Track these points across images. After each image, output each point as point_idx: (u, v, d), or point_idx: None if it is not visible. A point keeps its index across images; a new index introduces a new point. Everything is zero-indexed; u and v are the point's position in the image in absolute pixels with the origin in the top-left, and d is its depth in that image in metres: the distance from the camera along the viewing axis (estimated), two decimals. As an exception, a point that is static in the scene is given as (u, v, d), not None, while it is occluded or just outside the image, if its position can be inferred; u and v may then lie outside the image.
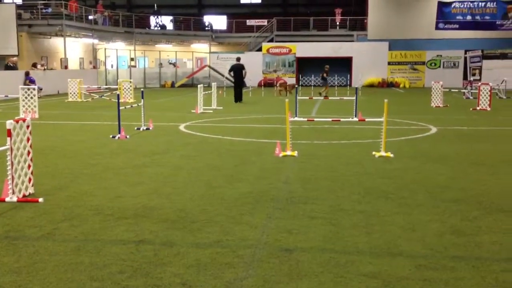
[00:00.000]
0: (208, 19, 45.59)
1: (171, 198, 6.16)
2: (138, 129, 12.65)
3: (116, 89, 24.48)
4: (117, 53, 37.95)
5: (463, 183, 7.00)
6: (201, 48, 44.36)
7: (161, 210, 5.63)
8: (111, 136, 11.38)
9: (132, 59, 41.08)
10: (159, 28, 42.36)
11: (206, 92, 19.23)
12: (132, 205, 5.83)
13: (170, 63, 42.14)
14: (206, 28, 43.99)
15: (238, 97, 22.68)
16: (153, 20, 42.80)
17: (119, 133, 11.29)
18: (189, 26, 42.89)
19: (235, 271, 3.95)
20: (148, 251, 4.37)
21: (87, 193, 6.39)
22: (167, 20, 43.15)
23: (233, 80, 23.63)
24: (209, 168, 7.97)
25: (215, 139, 11.33)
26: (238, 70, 22.82)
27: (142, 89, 14.15)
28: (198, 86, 18.44)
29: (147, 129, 12.69)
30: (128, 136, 11.33)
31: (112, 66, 40.11)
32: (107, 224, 5.11)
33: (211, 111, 18.19)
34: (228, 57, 40.29)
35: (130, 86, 23.51)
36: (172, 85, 38.82)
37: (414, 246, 4.54)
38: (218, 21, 45.53)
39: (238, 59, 23.63)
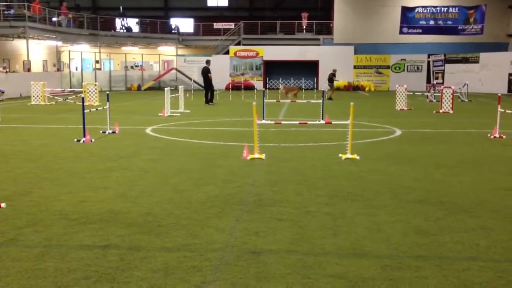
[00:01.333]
0: (174, 21, 45.32)
1: (138, 202, 6.10)
2: (104, 132, 12.47)
3: (81, 92, 24.10)
4: (81, 55, 37.37)
5: (427, 184, 7.16)
6: (168, 51, 44.09)
7: (127, 214, 5.57)
8: (75, 140, 11.19)
9: (97, 62, 40.50)
10: (124, 31, 41.89)
11: (173, 95, 19.13)
12: (97, 209, 5.74)
13: (135, 66, 41.70)
14: (173, 31, 43.74)
15: (205, 99, 23.17)
16: (118, 22, 42.30)
17: (84, 136, 11.11)
18: (156, 28, 42.58)
19: (203, 275, 3.94)
20: (114, 256, 4.31)
21: (51, 198, 6.27)
22: (133, 23, 42.72)
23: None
24: (176, 172, 7.93)
25: (183, 142, 11.27)
26: (204, 74, 23.42)
27: (107, 92, 13.97)
28: (165, 89, 18.31)
29: (113, 132, 12.53)
30: (93, 140, 11.16)
31: (76, 69, 39.46)
32: (72, 229, 5.03)
33: (179, 114, 18.09)
34: (195, 60, 40.18)
35: (95, 89, 23.18)
36: (139, 88, 38.43)
37: (380, 246, 4.61)
38: (185, 24, 45.35)
39: (206, 62, 23.96)
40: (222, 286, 3.74)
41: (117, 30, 41.77)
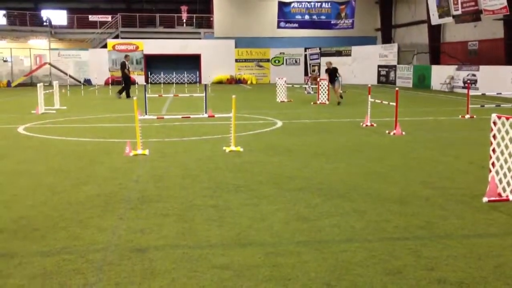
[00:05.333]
0: (46, 13, 42.70)
1: (10, 206, 5.70)
2: (-31, 133, 11.48)
3: None
4: None
5: (306, 172, 7.47)
6: (39, 45, 41.46)
7: (-1, 220, 5.18)
8: None
9: (-41, 57, 37.06)
10: (-10, 23, 38.73)
11: (48, 91, 18.08)
12: (-37, 217, 5.28)
13: (4, 61, 38.73)
14: (44, 24, 41.22)
15: (126, 94, 23.23)
16: (-18, 14, 39.01)
17: None
18: (25, 21, 39.84)
19: (84, 277, 3.79)
20: (-16, 266, 4.00)
21: None
22: (-1, 15, 39.62)
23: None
24: (53, 172, 7.52)
25: (59, 140, 10.71)
26: (121, 68, 23.84)
27: (-29, 89, 12.86)
28: (38, 85, 17.25)
29: (-20, 133, 11.58)
30: (-44, 142, 10.24)
31: None
32: None
33: (54, 111, 17.13)
34: (71, 54, 38.34)
35: (-42, 86, 21.22)
36: (8, 84, 35.84)
37: (263, 235, 4.74)
38: (57, 16, 42.88)
39: (125, 57, 24.61)
40: (105, 287, 3.62)
41: (-19, 22, 38.49)
